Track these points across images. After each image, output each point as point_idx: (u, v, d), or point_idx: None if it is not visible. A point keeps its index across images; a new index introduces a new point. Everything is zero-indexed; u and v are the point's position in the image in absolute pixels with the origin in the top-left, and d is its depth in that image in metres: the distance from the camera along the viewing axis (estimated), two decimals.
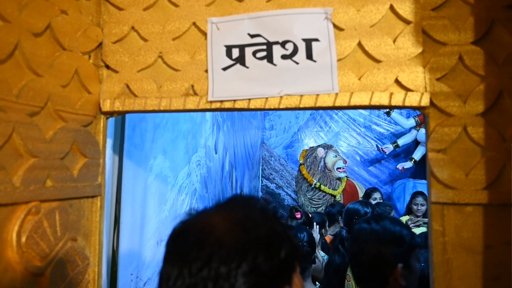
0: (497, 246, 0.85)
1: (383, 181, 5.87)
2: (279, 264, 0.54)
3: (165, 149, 1.76)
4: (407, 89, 0.89)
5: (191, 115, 2.10)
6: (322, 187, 4.47)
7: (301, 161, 4.67)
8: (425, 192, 4.07)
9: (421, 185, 4.84)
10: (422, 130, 5.21)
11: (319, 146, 4.69)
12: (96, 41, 1.03)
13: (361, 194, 4.89)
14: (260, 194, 5.83)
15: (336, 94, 0.90)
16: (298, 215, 2.68)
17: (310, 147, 4.82)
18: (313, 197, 4.55)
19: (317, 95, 0.91)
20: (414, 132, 5.34)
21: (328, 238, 2.91)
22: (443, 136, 0.87)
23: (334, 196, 4.49)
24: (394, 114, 5.31)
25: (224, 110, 0.98)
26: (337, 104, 0.90)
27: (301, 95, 0.91)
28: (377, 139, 5.90)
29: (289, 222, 2.76)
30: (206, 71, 1.00)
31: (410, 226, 3.36)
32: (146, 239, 1.59)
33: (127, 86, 1.05)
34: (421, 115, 5.40)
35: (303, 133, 6.16)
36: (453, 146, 0.87)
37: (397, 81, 0.90)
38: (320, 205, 4.48)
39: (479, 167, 0.86)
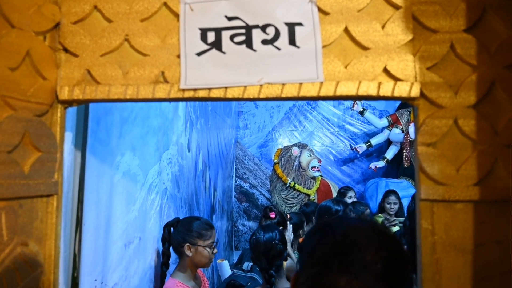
0: (488, 244, 0.80)
1: (356, 180, 5.91)
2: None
3: (134, 146, 1.64)
4: (397, 79, 0.83)
5: (162, 110, 1.99)
6: (297, 186, 4.43)
7: (275, 160, 4.62)
8: (397, 191, 4.11)
9: (393, 184, 4.89)
10: (395, 130, 5.28)
11: (294, 145, 4.66)
12: (52, 20, 0.92)
13: (335, 194, 4.90)
14: (234, 193, 5.74)
15: (321, 83, 0.83)
16: (273, 215, 2.62)
17: (285, 146, 4.78)
18: (288, 197, 4.51)
19: (300, 84, 0.83)
20: (386, 131, 5.41)
21: (301, 239, 2.86)
22: (434, 129, 0.81)
23: (309, 196, 4.46)
24: (367, 114, 5.35)
25: (198, 100, 0.89)
26: (322, 94, 0.83)
27: (283, 84, 0.83)
28: (350, 138, 5.95)
29: (263, 222, 2.70)
30: (178, 56, 0.90)
31: (386, 225, 3.37)
32: (112, 241, 1.47)
33: (89, 72, 0.93)
34: (394, 115, 5.49)
35: (277, 132, 6.12)
36: (444, 139, 0.82)
37: (385, 70, 0.83)
38: (294, 205, 4.44)
39: (471, 161, 0.81)
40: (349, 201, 3.74)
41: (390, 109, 5.85)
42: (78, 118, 1.21)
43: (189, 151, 2.64)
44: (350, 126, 5.97)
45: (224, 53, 0.87)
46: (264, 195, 5.89)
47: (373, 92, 0.82)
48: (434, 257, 0.80)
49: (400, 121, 5.26)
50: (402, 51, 0.84)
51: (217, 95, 0.86)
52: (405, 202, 4.20)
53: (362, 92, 0.82)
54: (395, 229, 3.10)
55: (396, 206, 3.80)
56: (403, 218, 4.17)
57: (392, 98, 0.83)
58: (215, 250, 1.79)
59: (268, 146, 6.01)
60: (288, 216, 2.85)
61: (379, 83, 0.82)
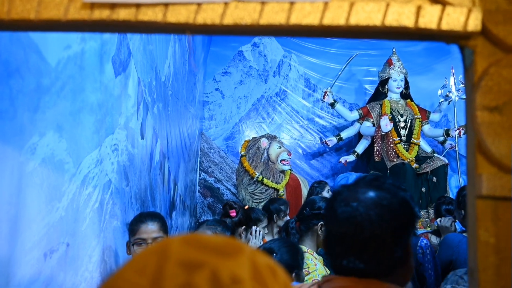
0: None
1: (325, 175, 5.71)
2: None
3: (61, 125, 1.25)
4: (445, 2, 0.52)
5: (104, 83, 1.60)
6: (265, 180, 4.13)
7: (242, 153, 4.29)
8: None
9: None
10: (365, 123, 5.09)
11: (262, 136, 4.35)
12: None
13: (304, 189, 4.66)
14: (197, 188, 5.37)
15: (326, 3, 0.51)
16: (233, 213, 2.27)
17: (253, 138, 4.46)
18: (255, 191, 4.20)
19: (292, 3, 0.50)
20: (357, 125, 5.22)
21: (264, 240, 2.52)
22: (501, 84, 0.51)
23: (277, 190, 4.17)
24: (338, 106, 5.14)
25: (112, 28, 0.54)
26: (326, 22, 0.50)
27: (263, 2, 0.51)
28: (319, 131, 5.74)
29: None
30: None
31: None
32: (23, 250, 1.09)
33: None
34: (365, 107, 5.31)
35: (244, 124, 5.81)
36: None
37: None
38: (262, 200, 4.13)
39: None
40: (327, 195, 3.48)
41: (360, 102, 5.68)
42: None
43: (142, 138, 2.26)
44: (320, 119, 5.76)
45: None
46: (230, 189, 5.56)
47: (408, 21, 0.51)
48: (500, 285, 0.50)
49: (371, 114, 5.08)
50: None
51: (149, 17, 0.51)
52: None
53: (391, 21, 0.51)
54: None
55: None
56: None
57: (436, 36, 0.52)
58: (141, 250, 1.48)
59: (235, 138, 5.69)
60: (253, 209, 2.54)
61: (418, 8, 0.51)
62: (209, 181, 5.55)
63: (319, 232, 1.79)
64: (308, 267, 1.66)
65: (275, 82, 5.82)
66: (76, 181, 1.36)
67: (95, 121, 1.51)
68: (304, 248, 1.73)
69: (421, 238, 2.21)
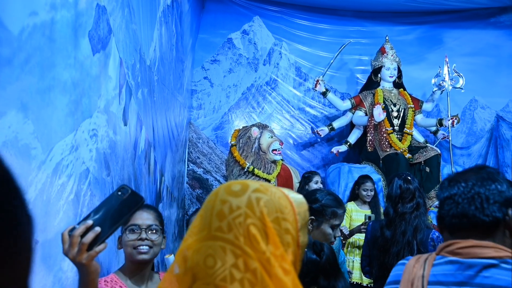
0: None
1: (316, 166, 5.63)
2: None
3: (25, 103, 1.08)
4: None
5: (80, 60, 1.42)
6: (256, 171, 3.99)
7: (233, 142, 4.13)
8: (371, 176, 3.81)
9: (356, 169, 4.63)
10: (358, 113, 4.99)
11: (253, 125, 4.20)
12: None
13: (295, 180, 4.55)
14: (186, 179, 5.21)
15: None
16: None
17: (243, 127, 4.31)
18: None
19: None
20: (349, 114, 5.12)
21: None
22: None
23: (269, 181, 4.04)
24: (330, 95, 5.03)
25: None
26: None
27: None
28: (311, 121, 5.63)
29: None
30: None
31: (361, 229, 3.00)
32: None
33: None
34: (357, 96, 5.19)
35: (234, 113, 5.66)
36: None
37: None
38: None
39: None
40: (315, 186, 3.36)
41: (352, 92, 5.57)
42: None
43: (125, 124, 2.08)
44: (311, 109, 5.64)
45: None
46: (219, 181, 5.43)
47: None
48: None
49: (364, 103, 4.98)
50: None
51: None
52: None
53: None
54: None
55: (372, 193, 3.48)
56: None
57: None
58: (134, 236, 1.35)
59: (224, 128, 5.54)
60: None
61: None
62: (198, 172, 5.40)
63: (309, 227, 1.64)
64: None
65: (266, 70, 5.66)
66: (46, 170, 1.19)
67: (69, 102, 1.34)
68: None
69: (433, 230, 2.12)
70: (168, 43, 3.40)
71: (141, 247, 1.38)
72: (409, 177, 2.21)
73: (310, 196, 1.67)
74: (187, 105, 5.02)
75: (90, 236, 0.86)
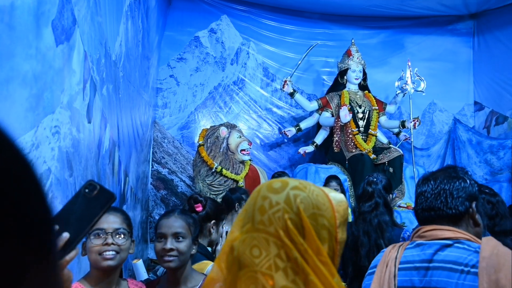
0: None
1: (283, 166, 5.65)
2: None
3: None
4: None
5: (42, 51, 1.32)
6: (224, 171, 3.93)
7: (200, 142, 4.05)
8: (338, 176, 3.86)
9: (323, 170, 4.69)
10: (325, 114, 5.06)
11: (221, 125, 4.14)
12: None
13: (263, 180, 4.53)
14: (150, 180, 5.06)
15: None
16: (199, 208, 2.05)
17: (211, 126, 4.24)
18: (213, 183, 3.99)
19: None
20: (316, 115, 5.18)
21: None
22: None
23: (237, 182, 3.99)
24: (298, 95, 5.07)
25: None
26: None
27: None
28: (277, 122, 5.65)
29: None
30: None
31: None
32: None
33: None
34: (324, 98, 5.26)
35: (200, 113, 5.57)
36: None
37: None
38: (220, 192, 3.94)
39: None
40: None
41: (318, 93, 5.65)
42: None
43: (89, 122, 1.97)
44: (278, 109, 5.66)
45: None
46: (184, 181, 5.31)
47: None
48: None
49: (331, 104, 5.06)
50: None
51: None
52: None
53: None
54: None
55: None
56: None
57: None
58: (99, 241, 1.28)
59: (190, 128, 5.43)
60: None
61: None
62: (163, 173, 5.26)
63: None
64: None
65: (233, 70, 5.61)
66: None
67: (30, 96, 1.23)
68: None
69: (405, 229, 2.17)
70: (134, 39, 3.28)
71: (107, 253, 1.30)
72: (372, 179, 2.28)
73: None
74: (152, 103, 4.87)
75: (58, 245, 0.78)
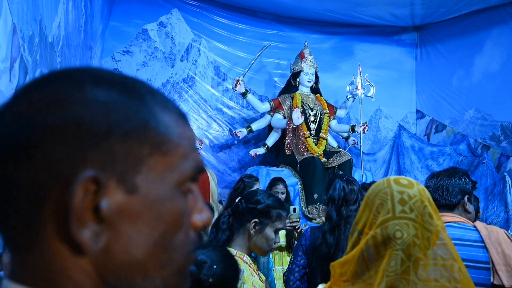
0: None
1: (232, 168, 5.50)
2: None
3: None
4: None
5: None
6: None
7: None
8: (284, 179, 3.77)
9: (274, 172, 4.60)
10: (277, 116, 4.99)
11: None
12: None
13: (212, 182, 4.35)
14: None
15: None
16: None
17: None
18: None
19: None
20: (268, 117, 5.09)
21: None
22: None
23: None
24: (250, 96, 4.95)
25: None
26: None
27: None
28: (228, 123, 5.48)
29: None
30: None
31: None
32: None
33: None
34: (276, 99, 5.19)
35: None
36: None
37: None
38: None
39: None
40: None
41: (269, 95, 5.58)
42: None
43: None
44: (229, 110, 5.50)
45: None
46: None
47: None
48: None
49: (283, 106, 5.00)
50: None
51: None
52: (291, 191, 3.90)
53: None
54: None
55: (284, 196, 3.42)
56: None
57: None
58: None
59: None
60: None
61: None
62: None
63: (252, 231, 1.46)
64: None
65: (183, 67, 5.37)
66: None
67: None
68: (232, 251, 1.39)
69: None
70: (75, 23, 2.95)
71: None
72: (351, 178, 2.12)
73: (251, 197, 1.48)
74: None
75: None
